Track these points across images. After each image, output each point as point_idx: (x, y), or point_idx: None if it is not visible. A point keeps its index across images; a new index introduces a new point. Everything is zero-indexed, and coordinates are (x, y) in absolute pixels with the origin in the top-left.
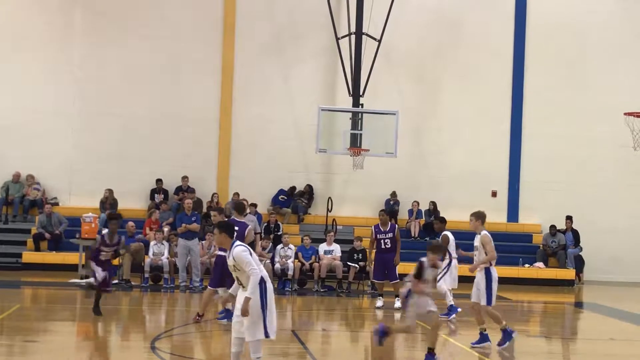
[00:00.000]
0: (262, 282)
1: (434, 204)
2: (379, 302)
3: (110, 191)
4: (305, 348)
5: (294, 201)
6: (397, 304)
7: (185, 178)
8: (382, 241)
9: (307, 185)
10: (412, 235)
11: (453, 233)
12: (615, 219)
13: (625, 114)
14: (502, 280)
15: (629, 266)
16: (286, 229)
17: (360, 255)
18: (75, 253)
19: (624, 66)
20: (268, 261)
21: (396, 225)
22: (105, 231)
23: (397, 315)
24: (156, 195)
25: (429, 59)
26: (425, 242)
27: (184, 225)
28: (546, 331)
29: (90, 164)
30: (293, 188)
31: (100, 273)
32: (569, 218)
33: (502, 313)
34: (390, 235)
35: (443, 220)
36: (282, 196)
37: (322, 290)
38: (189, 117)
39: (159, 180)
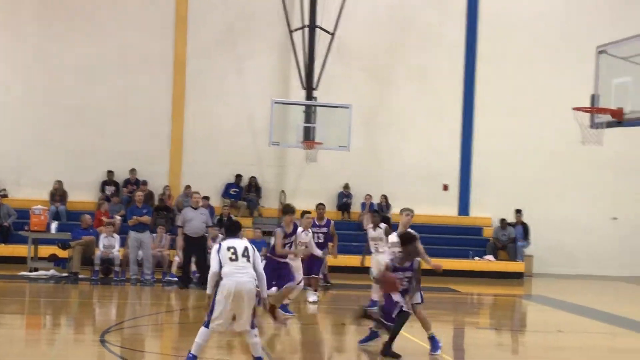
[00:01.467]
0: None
1: (385, 197)
2: (313, 297)
3: (60, 183)
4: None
5: (246, 195)
6: (312, 297)
7: (133, 170)
8: (315, 235)
9: (251, 177)
10: (365, 227)
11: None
12: (563, 213)
13: (573, 109)
14: (453, 273)
15: (577, 259)
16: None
17: None
18: (24, 245)
19: (572, 62)
20: None
21: (331, 222)
22: None
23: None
24: (107, 187)
25: (382, 54)
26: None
27: (134, 217)
28: (495, 323)
29: (39, 156)
30: (239, 177)
31: None
32: (519, 212)
33: (452, 305)
34: (324, 230)
35: (385, 218)
36: (233, 189)
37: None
38: (141, 110)
39: (109, 172)
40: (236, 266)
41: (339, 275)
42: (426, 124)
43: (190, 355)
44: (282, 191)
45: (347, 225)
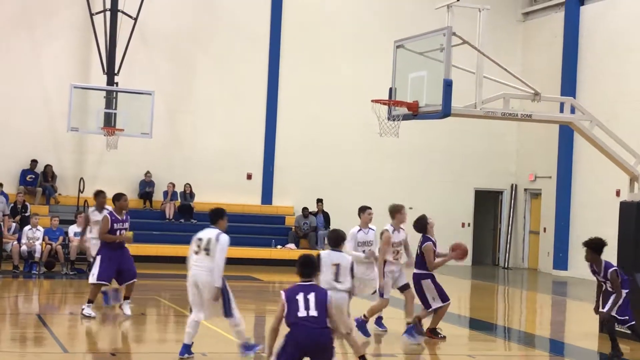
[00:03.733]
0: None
1: (190, 186)
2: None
3: None
4: (51, 332)
5: (42, 182)
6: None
7: None
8: (117, 231)
9: (47, 165)
10: (167, 217)
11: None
12: (363, 202)
13: (372, 101)
14: (255, 262)
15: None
16: (35, 210)
17: None
18: None
19: (372, 53)
20: (15, 242)
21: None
22: None
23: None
24: None
25: (186, 39)
26: (180, 225)
27: None
28: None
29: None
30: (34, 162)
31: None
32: (320, 201)
33: (253, 294)
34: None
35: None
36: (29, 176)
37: (71, 273)
38: None
39: None
40: (195, 259)
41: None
42: (230, 112)
43: (184, 345)
44: (81, 179)
45: (149, 214)
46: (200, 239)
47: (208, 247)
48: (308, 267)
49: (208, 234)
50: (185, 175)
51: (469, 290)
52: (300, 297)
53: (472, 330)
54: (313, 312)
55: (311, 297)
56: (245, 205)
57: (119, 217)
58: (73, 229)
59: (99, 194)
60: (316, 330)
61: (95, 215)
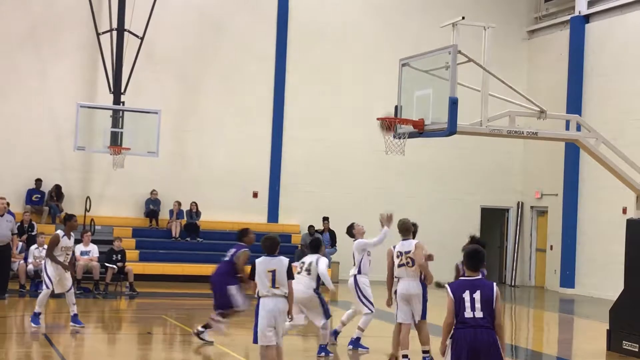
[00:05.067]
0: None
1: (196, 204)
2: None
3: None
4: (57, 351)
5: (48, 201)
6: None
7: None
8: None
9: (55, 185)
10: (174, 235)
11: (215, 234)
12: (369, 220)
13: (378, 119)
14: None
15: (384, 265)
16: (42, 228)
17: (119, 255)
18: None
19: (377, 72)
20: (22, 262)
21: None
22: None
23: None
24: None
25: (192, 59)
26: (186, 243)
27: None
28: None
29: None
30: (39, 182)
31: None
32: (326, 219)
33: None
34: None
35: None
36: (35, 196)
37: (77, 292)
38: None
39: None
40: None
41: (144, 284)
42: (236, 131)
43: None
44: (88, 197)
45: (155, 233)
46: (303, 262)
47: (309, 268)
48: None
49: (309, 258)
50: (191, 193)
51: None
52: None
53: None
54: None
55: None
56: (252, 224)
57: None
58: (79, 248)
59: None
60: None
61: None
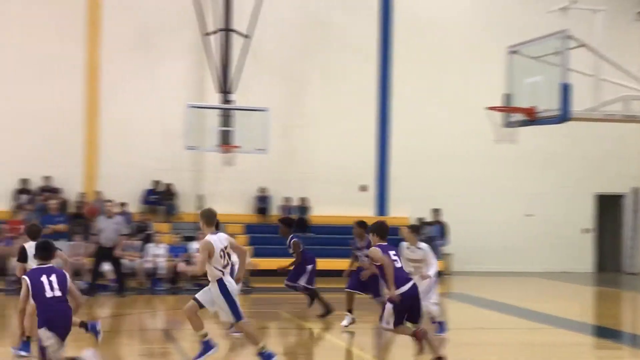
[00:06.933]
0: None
1: (305, 199)
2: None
3: None
4: (177, 347)
5: (163, 200)
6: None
7: (48, 177)
8: None
9: (168, 184)
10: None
11: (325, 228)
12: (480, 211)
13: (487, 108)
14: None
15: (495, 256)
16: (158, 227)
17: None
18: None
19: (486, 62)
20: (140, 260)
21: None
22: None
23: None
24: (21, 195)
25: (297, 56)
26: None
27: (49, 226)
28: None
29: None
30: (156, 183)
31: None
32: (436, 210)
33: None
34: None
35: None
36: (152, 196)
37: (195, 288)
38: (53, 115)
39: (23, 180)
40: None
41: (260, 279)
42: (342, 125)
43: None
44: (201, 195)
45: (265, 229)
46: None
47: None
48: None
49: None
50: (299, 189)
51: (593, 298)
52: None
53: (598, 337)
54: None
55: None
56: (360, 218)
57: None
58: (194, 245)
59: None
60: None
61: None
